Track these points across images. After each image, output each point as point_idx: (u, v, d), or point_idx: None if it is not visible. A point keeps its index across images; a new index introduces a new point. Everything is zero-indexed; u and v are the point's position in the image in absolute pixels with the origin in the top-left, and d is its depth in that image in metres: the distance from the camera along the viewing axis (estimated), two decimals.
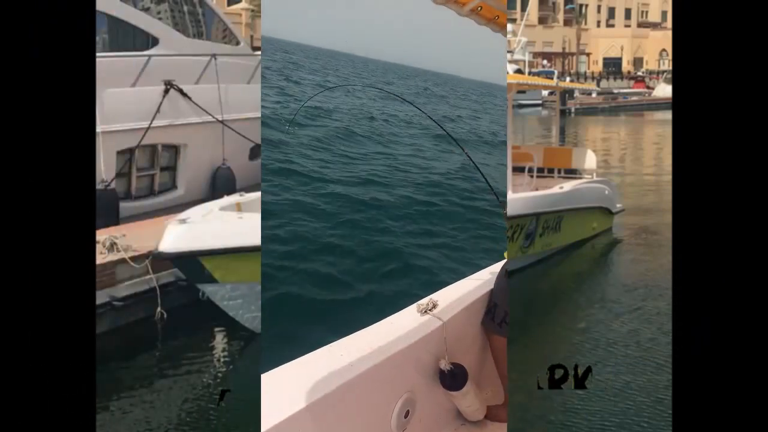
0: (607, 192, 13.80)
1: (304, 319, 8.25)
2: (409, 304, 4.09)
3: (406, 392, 3.50)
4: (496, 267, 4.60)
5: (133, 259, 8.58)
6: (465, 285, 4.43)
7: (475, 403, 3.94)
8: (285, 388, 2.97)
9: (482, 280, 4.48)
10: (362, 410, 3.22)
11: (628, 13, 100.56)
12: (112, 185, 10.73)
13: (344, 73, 63.77)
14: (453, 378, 3.75)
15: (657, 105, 58.61)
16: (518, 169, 13.07)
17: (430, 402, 3.75)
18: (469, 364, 3.88)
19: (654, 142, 35.26)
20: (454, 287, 4.42)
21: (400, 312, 3.98)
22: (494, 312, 4.23)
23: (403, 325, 3.74)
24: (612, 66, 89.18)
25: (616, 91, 69.59)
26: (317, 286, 9.43)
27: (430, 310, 3.93)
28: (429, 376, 3.74)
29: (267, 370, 3.11)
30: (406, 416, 3.50)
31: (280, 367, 3.15)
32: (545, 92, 52.23)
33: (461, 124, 36.49)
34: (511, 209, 10.30)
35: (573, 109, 53.46)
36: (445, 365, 3.74)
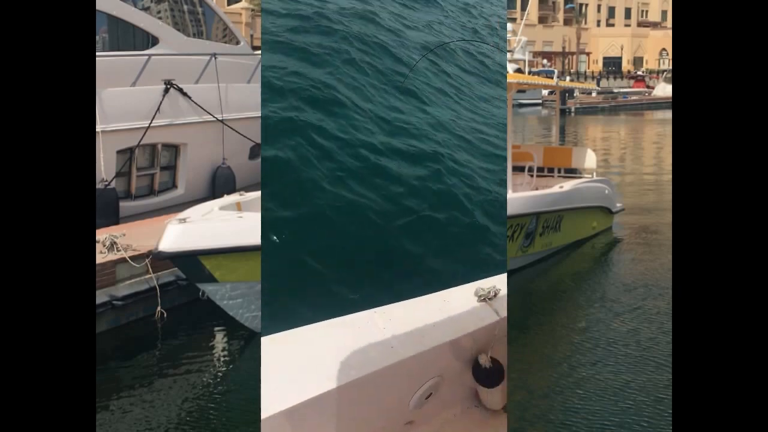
0: (607, 191, 13.80)
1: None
2: None
3: (436, 376, 3.38)
4: None
5: (133, 258, 8.58)
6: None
7: (499, 397, 3.84)
8: (319, 357, 2.86)
9: None
10: (390, 391, 3.15)
11: (628, 13, 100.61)
12: (112, 185, 10.73)
13: None
14: (488, 376, 3.59)
15: (657, 104, 58.65)
16: (518, 169, 13.07)
17: (455, 384, 3.63)
18: (504, 359, 3.70)
19: (654, 141, 35.26)
20: None
21: (455, 289, 3.69)
22: None
23: (456, 308, 3.50)
24: (612, 65, 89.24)
25: (616, 90, 69.65)
26: None
27: (489, 298, 3.64)
28: (464, 363, 3.58)
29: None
30: (427, 397, 3.41)
31: (320, 324, 3.02)
32: (545, 92, 52.33)
33: None
34: (511, 209, 10.29)
35: (573, 109, 53.49)
36: (485, 361, 3.55)
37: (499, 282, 4.02)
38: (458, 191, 9.15)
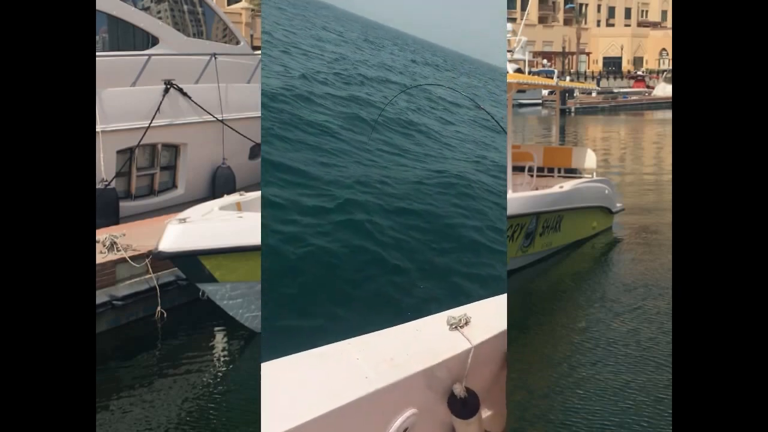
0: (607, 191, 13.80)
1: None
2: None
3: (411, 409, 3.34)
4: None
5: (133, 258, 8.58)
6: (502, 304, 4.06)
7: (475, 430, 3.73)
8: (292, 391, 2.84)
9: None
10: (365, 424, 3.10)
11: (628, 13, 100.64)
12: (112, 185, 10.73)
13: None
14: (464, 406, 3.52)
15: (657, 104, 58.67)
16: (518, 169, 13.08)
17: (431, 419, 3.59)
18: (481, 389, 3.66)
19: (654, 141, 35.26)
20: (490, 302, 4.05)
21: (427, 319, 3.73)
22: None
23: (428, 337, 3.51)
24: (612, 65, 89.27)
25: (616, 90, 69.67)
26: None
27: (461, 326, 3.65)
28: (438, 394, 3.56)
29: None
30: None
31: (291, 356, 2.99)
32: (545, 92, 52.31)
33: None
34: (511, 208, 10.29)
35: (573, 109, 53.51)
36: (459, 391, 3.50)
37: (498, 302, 4.03)
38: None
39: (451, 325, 3.64)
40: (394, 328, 3.53)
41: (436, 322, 3.69)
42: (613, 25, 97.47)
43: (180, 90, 11.73)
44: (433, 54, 65.27)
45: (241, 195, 9.75)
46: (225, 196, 10.04)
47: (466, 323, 3.66)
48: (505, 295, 4.17)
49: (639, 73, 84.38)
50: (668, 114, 47.16)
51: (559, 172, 14.38)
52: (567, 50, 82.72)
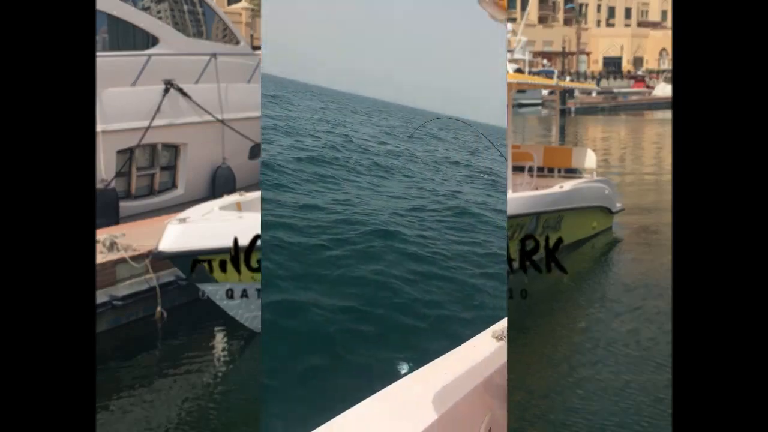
0: (607, 191, 13.81)
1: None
2: None
3: (487, 414, 3.63)
4: None
5: (133, 258, 8.58)
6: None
7: None
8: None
9: None
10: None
11: (628, 13, 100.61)
12: (112, 185, 10.73)
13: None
14: None
15: (657, 104, 58.67)
16: (518, 169, 13.08)
17: (502, 418, 3.88)
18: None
19: (654, 141, 35.27)
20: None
21: (475, 338, 4.06)
22: None
23: (480, 353, 3.83)
24: (612, 65, 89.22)
25: (616, 90, 69.62)
26: None
27: (503, 337, 4.02)
28: (501, 398, 3.85)
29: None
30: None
31: (364, 402, 3.18)
32: (545, 92, 52.31)
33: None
34: (511, 208, 10.30)
35: (573, 109, 53.49)
36: None
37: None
38: None
39: (497, 336, 4.02)
40: (447, 354, 3.81)
41: (484, 338, 4.03)
42: (613, 25, 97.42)
43: (180, 90, 11.73)
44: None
45: (241, 195, 9.75)
46: (225, 196, 10.05)
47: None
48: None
49: (639, 73, 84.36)
50: (668, 114, 47.14)
51: (559, 172, 14.39)
52: (567, 50, 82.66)
